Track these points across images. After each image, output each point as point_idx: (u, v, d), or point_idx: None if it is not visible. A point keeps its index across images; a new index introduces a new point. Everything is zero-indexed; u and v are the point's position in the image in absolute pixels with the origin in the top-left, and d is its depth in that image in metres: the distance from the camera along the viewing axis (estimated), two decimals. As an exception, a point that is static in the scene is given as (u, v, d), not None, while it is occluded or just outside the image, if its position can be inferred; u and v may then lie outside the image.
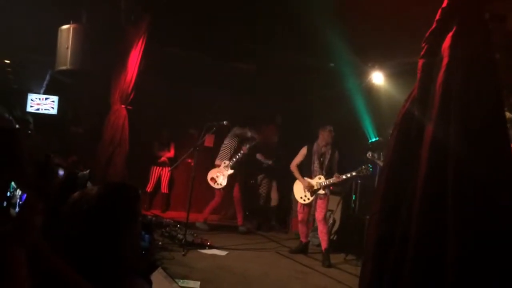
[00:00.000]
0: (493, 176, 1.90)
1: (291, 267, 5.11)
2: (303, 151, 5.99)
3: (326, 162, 5.87)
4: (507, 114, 5.14)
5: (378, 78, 7.34)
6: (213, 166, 6.85)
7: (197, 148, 5.57)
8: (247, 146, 6.76)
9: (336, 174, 5.70)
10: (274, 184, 7.79)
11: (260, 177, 7.85)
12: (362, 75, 7.59)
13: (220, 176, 6.72)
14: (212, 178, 6.76)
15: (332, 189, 6.08)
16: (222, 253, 5.29)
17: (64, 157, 4.74)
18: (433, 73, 2.06)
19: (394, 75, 7.14)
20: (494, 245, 1.84)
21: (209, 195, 6.95)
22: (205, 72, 7.54)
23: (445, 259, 1.84)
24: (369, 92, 7.53)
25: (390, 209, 2.06)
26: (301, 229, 6.01)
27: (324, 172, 5.81)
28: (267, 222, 7.59)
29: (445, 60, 2.02)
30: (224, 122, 5.93)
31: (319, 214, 5.76)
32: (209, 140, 7.29)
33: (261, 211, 7.76)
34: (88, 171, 2.34)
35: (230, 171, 6.70)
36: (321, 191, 5.76)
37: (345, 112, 7.35)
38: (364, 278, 2.17)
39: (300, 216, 5.97)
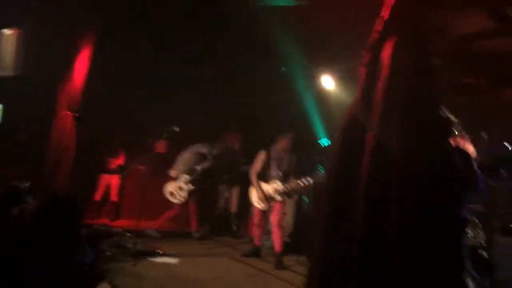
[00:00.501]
0: (434, 180, 1.98)
1: (244, 271, 5.11)
2: (261, 156, 5.98)
3: (284, 167, 5.91)
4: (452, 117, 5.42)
5: (327, 82, 7.49)
6: (166, 173, 6.75)
7: (148, 155, 5.49)
8: (208, 164, 6.73)
9: (292, 179, 5.76)
10: (235, 190, 7.80)
11: (221, 186, 7.85)
12: (312, 78, 7.74)
13: (179, 192, 6.63)
14: (171, 193, 6.66)
15: (290, 194, 6.14)
16: (174, 260, 5.22)
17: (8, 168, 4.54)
18: (374, 80, 2.12)
19: (343, 79, 7.34)
20: (435, 248, 1.90)
21: (162, 203, 6.83)
22: (162, 78, 7.45)
23: (389, 263, 1.89)
24: (319, 95, 7.69)
25: (337, 212, 2.11)
26: (255, 232, 6.03)
27: (281, 177, 5.84)
28: (225, 227, 7.57)
29: (385, 69, 2.09)
30: (175, 128, 5.86)
31: (274, 218, 5.80)
32: (160, 147, 7.19)
33: (218, 217, 7.74)
34: (28, 183, 2.24)
35: (191, 187, 6.63)
36: (278, 197, 5.80)
37: (297, 116, 7.47)
38: (312, 281, 2.20)
39: (255, 219, 5.99)
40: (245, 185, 6.97)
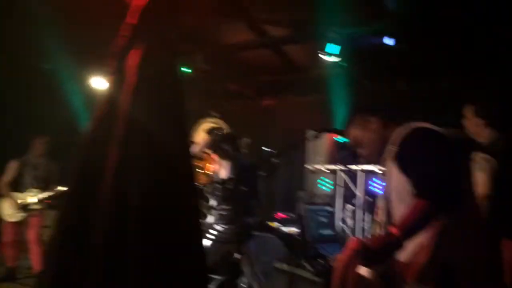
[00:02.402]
0: (178, 193, 1.94)
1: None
2: (12, 165, 5.34)
3: (40, 174, 5.35)
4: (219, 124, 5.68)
5: (98, 83, 7.06)
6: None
7: None
8: None
9: (53, 187, 5.24)
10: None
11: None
12: (82, 80, 7.20)
13: None
14: None
15: (50, 203, 5.56)
16: None
17: None
18: (119, 92, 1.96)
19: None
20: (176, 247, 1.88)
21: None
22: None
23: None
24: (91, 96, 7.19)
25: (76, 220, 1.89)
26: (8, 252, 5.29)
27: (37, 185, 5.29)
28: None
29: (131, 79, 1.95)
30: None
31: (31, 234, 5.19)
32: None
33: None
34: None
35: None
36: (35, 207, 5.20)
37: (63, 120, 6.86)
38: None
39: (6, 237, 5.24)
40: None
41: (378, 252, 1.63)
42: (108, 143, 1.92)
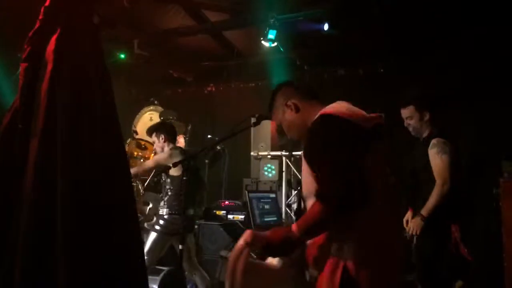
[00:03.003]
0: (105, 180, 1.86)
1: None
2: None
3: None
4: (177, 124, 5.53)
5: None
6: None
7: None
8: None
9: None
10: None
11: None
12: (10, 67, 6.78)
13: None
14: None
15: None
16: None
17: None
18: (38, 80, 1.83)
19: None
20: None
21: None
22: None
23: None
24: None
25: None
26: None
27: None
28: None
29: (49, 66, 1.82)
30: None
31: None
32: None
33: None
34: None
35: None
36: None
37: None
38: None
39: None
40: None
41: (275, 246, 1.59)
42: (27, 135, 1.80)
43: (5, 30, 5.70)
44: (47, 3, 1.88)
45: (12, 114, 1.86)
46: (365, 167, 1.59)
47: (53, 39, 1.85)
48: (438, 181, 3.30)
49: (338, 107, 1.77)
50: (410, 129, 3.61)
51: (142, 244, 1.89)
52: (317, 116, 1.75)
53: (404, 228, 3.49)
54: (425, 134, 3.55)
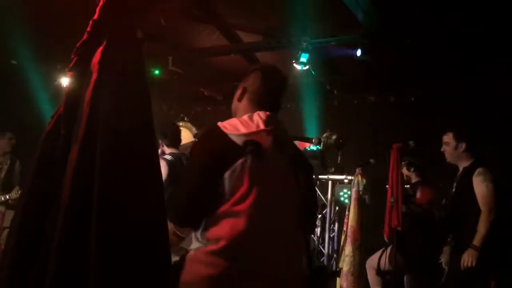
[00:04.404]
0: (141, 189, 1.89)
1: None
2: None
3: (3, 174, 5.14)
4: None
5: (66, 81, 6.90)
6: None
7: None
8: None
9: (16, 187, 5.03)
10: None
11: None
12: (50, 76, 7.03)
13: None
14: None
15: (12, 203, 5.35)
16: None
17: None
18: (82, 89, 1.91)
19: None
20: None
21: None
22: None
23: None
24: (58, 95, 7.02)
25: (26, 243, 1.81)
26: None
27: None
28: None
29: (94, 75, 1.90)
30: None
31: None
32: None
33: None
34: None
35: None
36: None
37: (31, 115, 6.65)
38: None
39: None
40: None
41: None
42: (70, 140, 1.86)
43: (45, 43, 5.96)
44: (95, 17, 1.96)
45: (56, 120, 1.93)
46: (224, 182, 1.75)
47: (99, 50, 1.93)
48: (484, 210, 3.31)
49: (233, 120, 1.91)
50: (446, 155, 3.66)
51: (170, 255, 1.91)
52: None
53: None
54: (465, 164, 3.57)
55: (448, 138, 3.63)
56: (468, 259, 3.30)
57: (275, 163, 1.87)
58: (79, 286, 1.71)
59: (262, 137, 1.84)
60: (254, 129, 1.84)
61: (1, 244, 5.06)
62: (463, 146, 3.56)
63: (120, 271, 1.72)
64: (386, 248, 4.39)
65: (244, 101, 2.02)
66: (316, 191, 2.10)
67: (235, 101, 2.07)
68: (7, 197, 4.99)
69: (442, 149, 3.68)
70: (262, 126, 1.86)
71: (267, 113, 1.92)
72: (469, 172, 3.48)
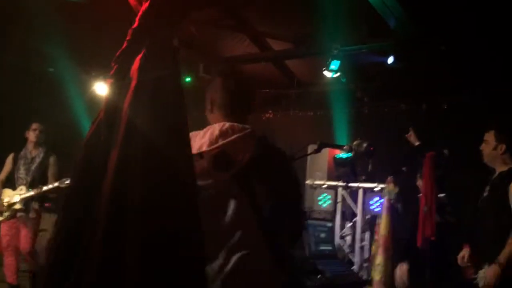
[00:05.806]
0: (178, 195, 1.92)
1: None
2: (8, 159, 4.93)
3: (34, 168, 4.82)
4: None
5: (101, 88, 7.08)
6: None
7: None
8: None
9: (52, 183, 4.68)
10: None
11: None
12: (85, 84, 7.24)
13: None
14: None
15: (49, 206, 5.36)
16: None
17: None
18: (121, 95, 1.96)
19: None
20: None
21: None
22: None
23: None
24: (93, 102, 7.21)
25: (70, 244, 1.86)
26: (8, 263, 4.67)
27: (30, 181, 4.75)
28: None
29: (133, 83, 1.95)
30: None
31: (24, 244, 4.61)
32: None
33: None
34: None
35: None
36: (17, 207, 4.63)
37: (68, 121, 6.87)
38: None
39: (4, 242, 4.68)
40: None
41: None
42: (109, 145, 1.92)
43: (81, 52, 6.14)
44: (135, 25, 2.02)
45: (97, 125, 1.99)
46: None
47: (138, 58, 1.98)
48: None
49: (205, 129, 1.91)
50: (483, 154, 3.42)
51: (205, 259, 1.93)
52: None
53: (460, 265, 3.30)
54: (503, 168, 3.32)
55: (489, 136, 3.37)
56: (489, 276, 3.04)
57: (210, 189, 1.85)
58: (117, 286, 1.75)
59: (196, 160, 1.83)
60: (195, 150, 1.80)
61: (37, 249, 4.93)
62: (502, 147, 3.29)
63: (160, 272, 1.76)
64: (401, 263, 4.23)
65: (215, 111, 2.01)
66: (297, 184, 1.98)
67: (207, 114, 2.05)
68: (27, 195, 4.58)
69: (480, 147, 3.41)
70: (204, 147, 1.86)
71: (226, 124, 1.89)
72: (506, 177, 3.22)
